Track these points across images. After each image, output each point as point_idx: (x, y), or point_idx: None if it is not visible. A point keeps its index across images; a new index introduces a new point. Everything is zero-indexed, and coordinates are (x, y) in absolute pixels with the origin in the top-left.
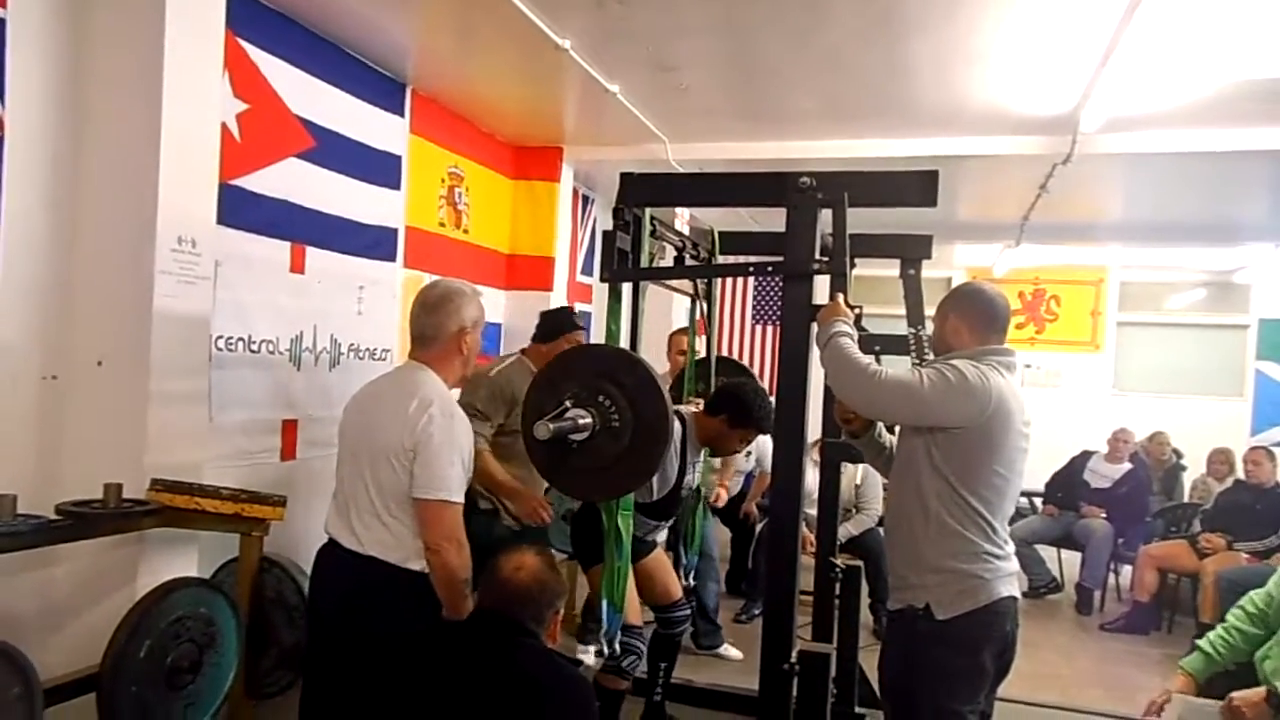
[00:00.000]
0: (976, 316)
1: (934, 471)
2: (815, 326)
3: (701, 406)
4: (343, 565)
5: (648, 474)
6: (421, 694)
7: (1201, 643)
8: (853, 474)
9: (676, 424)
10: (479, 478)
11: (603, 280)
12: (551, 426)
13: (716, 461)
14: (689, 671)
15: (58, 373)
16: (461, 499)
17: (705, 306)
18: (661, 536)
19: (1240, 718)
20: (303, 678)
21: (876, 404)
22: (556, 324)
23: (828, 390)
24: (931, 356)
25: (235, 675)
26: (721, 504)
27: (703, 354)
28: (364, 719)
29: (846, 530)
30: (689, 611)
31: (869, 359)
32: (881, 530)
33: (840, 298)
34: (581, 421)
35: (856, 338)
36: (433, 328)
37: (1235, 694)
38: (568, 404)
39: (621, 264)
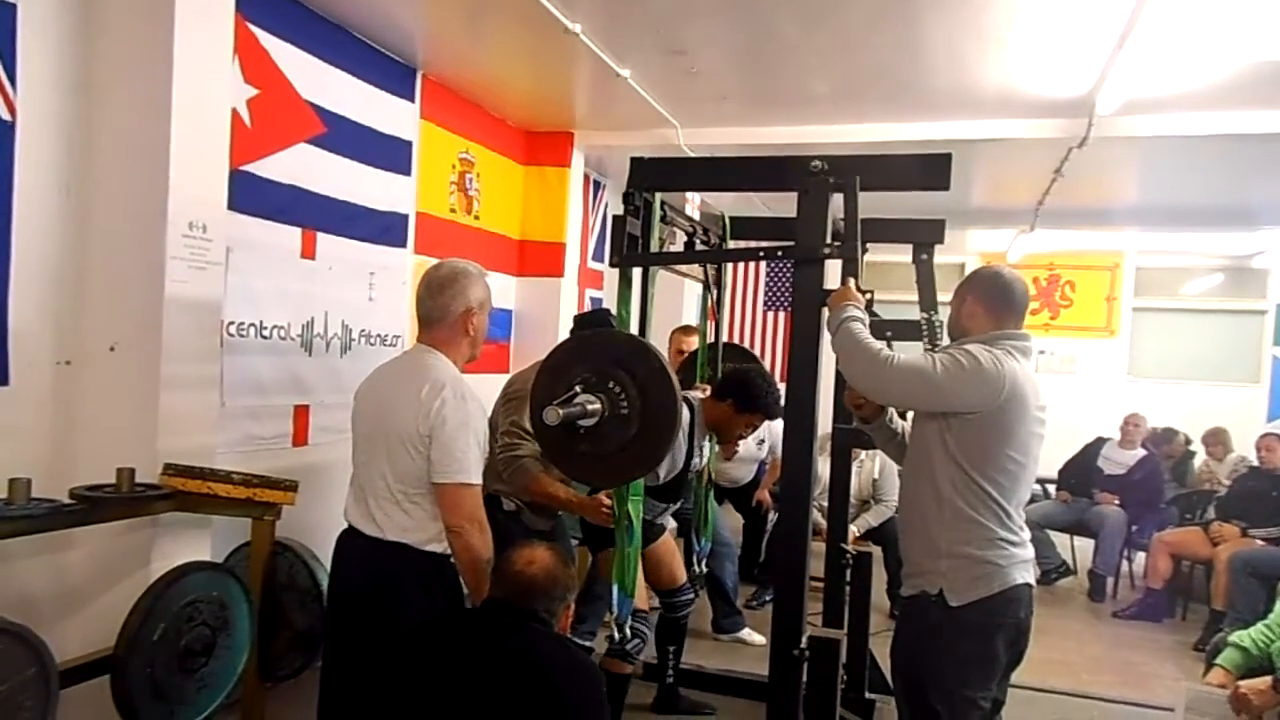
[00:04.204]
0: (993, 300)
1: (947, 457)
2: (826, 312)
3: (709, 392)
4: (364, 551)
5: (654, 463)
6: (436, 679)
7: (1241, 640)
8: (871, 469)
9: (684, 410)
10: (541, 498)
11: (612, 265)
12: (561, 412)
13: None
14: (708, 657)
15: (71, 358)
16: (480, 480)
17: (713, 293)
18: (670, 521)
19: (1247, 705)
20: (322, 662)
21: (888, 389)
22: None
23: (839, 376)
24: (945, 341)
25: (248, 658)
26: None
27: (712, 339)
28: (382, 703)
29: (865, 521)
30: (693, 595)
31: (881, 344)
32: (894, 516)
33: (851, 282)
34: (590, 407)
35: (868, 322)
36: (439, 309)
37: (1242, 682)
38: (577, 389)
39: (631, 249)
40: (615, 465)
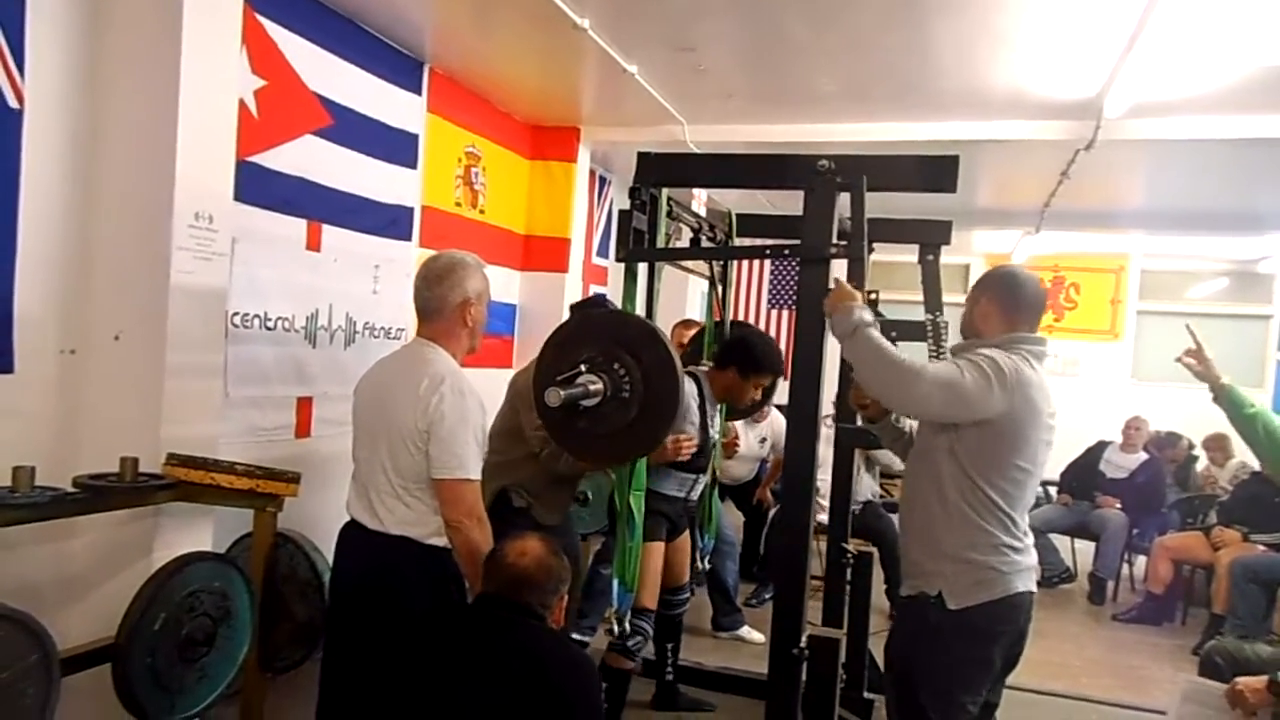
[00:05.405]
0: (1009, 302)
1: (955, 464)
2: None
3: (713, 365)
4: (366, 545)
5: (652, 446)
6: (434, 674)
7: None
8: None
9: (691, 384)
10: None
11: (619, 260)
12: (562, 394)
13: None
14: (707, 654)
15: (76, 346)
16: (479, 475)
17: (718, 289)
18: (696, 494)
19: (1242, 701)
20: (324, 655)
21: (921, 402)
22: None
23: (842, 372)
24: (948, 343)
25: (249, 649)
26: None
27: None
28: (382, 697)
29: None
30: (690, 594)
31: (904, 352)
32: (894, 515)
33: (845, 282)
34: (592, 388)
35: (878, 326)
36: (436, 300)
37: (1240, 679)
38: (582, 368)
39: (638, 244)
40: (613, 445)
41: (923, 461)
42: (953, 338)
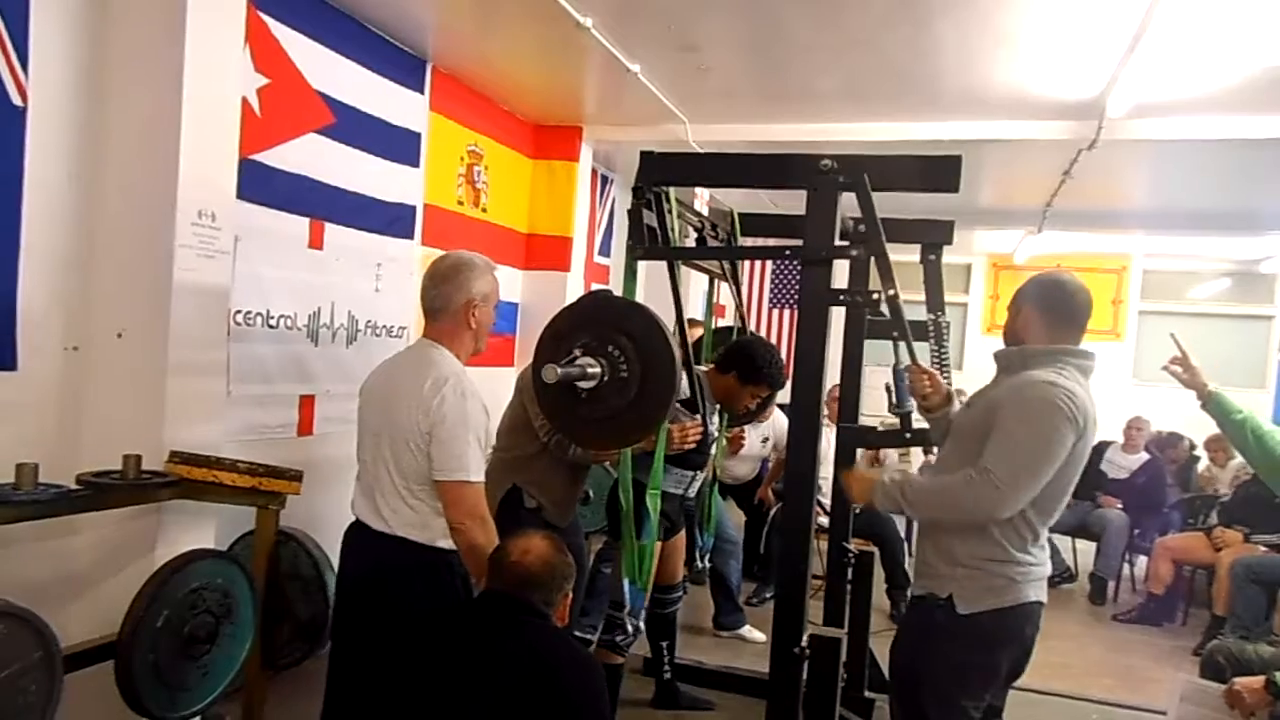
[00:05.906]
0: (1051, 310)
1: None
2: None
3: (713, 367)
4: (371, 546)
5: (652, 426)
6: (439, 673)
7: None
8: None
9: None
10: (610, 456)
11: (635, 258)
12: (559, 371)
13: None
14: (708, 653)
15: (79, 344)
16: (481, 478)
17: (733, 287)
18: (694, 491)
19: (1240, 701)
20: (330, 656)
21: (1014, 500)
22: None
23: (846, 374)
24: (949, 343)
25: (251, 646)
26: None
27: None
28: (386, 699)
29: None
30: (683, 593)
31: (955, 474)
32: (892, 516)
33: (846, 474)
34: (590, 370)
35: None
36: (441, 300)
37: (1237, 679)
38: (577, 352)
39: (651, 242)
40: (613, 428)
41: (951, 467)
42: (954, 339)
